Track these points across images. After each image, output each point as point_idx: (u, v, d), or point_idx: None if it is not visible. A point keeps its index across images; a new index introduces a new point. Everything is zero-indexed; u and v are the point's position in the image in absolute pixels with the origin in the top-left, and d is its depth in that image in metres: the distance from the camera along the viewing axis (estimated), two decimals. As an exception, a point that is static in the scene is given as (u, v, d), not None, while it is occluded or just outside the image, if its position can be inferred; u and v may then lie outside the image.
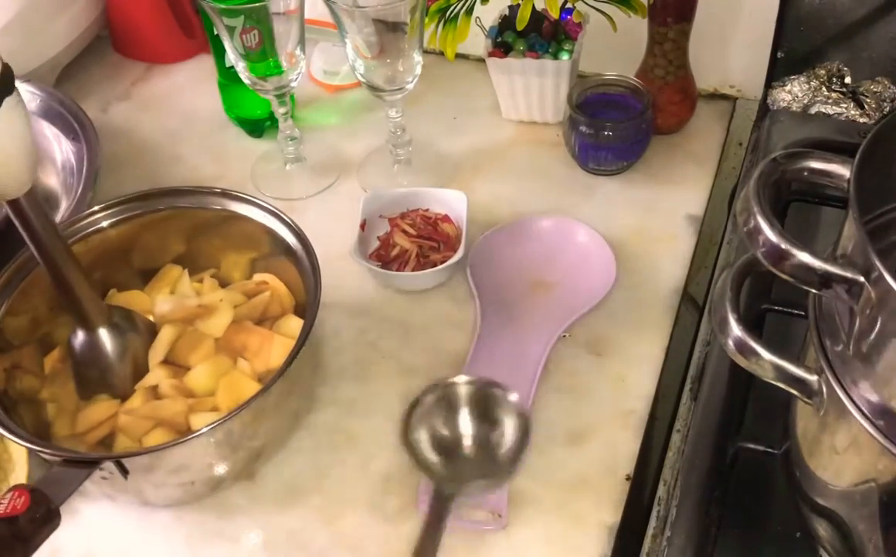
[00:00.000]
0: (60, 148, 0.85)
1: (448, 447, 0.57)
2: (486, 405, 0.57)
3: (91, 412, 0.63)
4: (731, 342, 0.50)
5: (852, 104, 0.83)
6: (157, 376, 0.64)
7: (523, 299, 0.72)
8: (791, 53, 0.85)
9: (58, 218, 0.80)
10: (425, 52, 0.78)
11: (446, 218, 0.77)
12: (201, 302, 0.68)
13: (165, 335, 0.66)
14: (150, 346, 0.66)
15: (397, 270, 0.74)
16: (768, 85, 0.87)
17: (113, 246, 0.70)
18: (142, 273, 0.72)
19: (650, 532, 0.58)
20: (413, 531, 0.56)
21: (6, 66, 0.51)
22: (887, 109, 0.83)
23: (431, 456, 0.56)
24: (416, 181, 0.83)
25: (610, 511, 0.59)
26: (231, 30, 0.74)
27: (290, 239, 0.67)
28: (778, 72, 0.86)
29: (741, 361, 0.50)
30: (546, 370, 0.66)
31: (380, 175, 0.85)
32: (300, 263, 0.66)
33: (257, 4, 0.72)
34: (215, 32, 0.77)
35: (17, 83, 0.90)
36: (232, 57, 0.78)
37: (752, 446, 0.59)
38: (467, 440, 0.57)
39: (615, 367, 0.67)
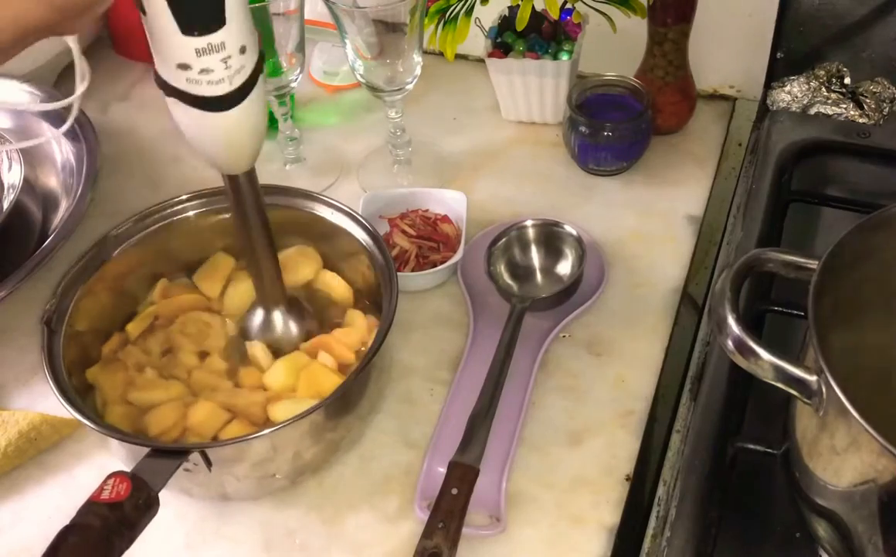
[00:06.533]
0: (60, 148, 0.85)
1: (522, 274, 0.73)
2: (549, 240, 0.73)
3: (159, 414, 0.62)
4: (730, 343, 0.50)
5: (852, 105, 0.83)
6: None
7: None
8: (791, 54, 0.85)
9: (57, 218, 0.80)
10: (425, 52, 0.78)
11: (446, 218, 0.77)
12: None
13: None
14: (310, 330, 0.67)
15: (397, 270, 0.73)
16: (768, 85, 0.87)
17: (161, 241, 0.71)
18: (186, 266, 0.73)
19: (650, 532, 0.58)
20: (413, 531, 0.56)
21: (261, 49, 0.54)
22: (886, 109, 0.83)
23: (509, 281, 0.72)
24: (416, 181, 0.83)
25: (609, 512, 0.59)
26: (231, 30, 0.74)
27: (363, 237, 0.69)
28: (777, 72, 0.86)
29: (740, 361, 0.50)
30: (546, 371, 0.67)
31: (379, 175, 0.85)
32: (373, 259, 0.67)
33: (257, 5, 0.72)
34: (215, 33, 0.77)
35: (16, 83, 0.91)
36: (232, 57, 0.78)
37: (751, 446, 0.59)
38: (537, 268, 0.73)
39: (615, 367, 0.67)
